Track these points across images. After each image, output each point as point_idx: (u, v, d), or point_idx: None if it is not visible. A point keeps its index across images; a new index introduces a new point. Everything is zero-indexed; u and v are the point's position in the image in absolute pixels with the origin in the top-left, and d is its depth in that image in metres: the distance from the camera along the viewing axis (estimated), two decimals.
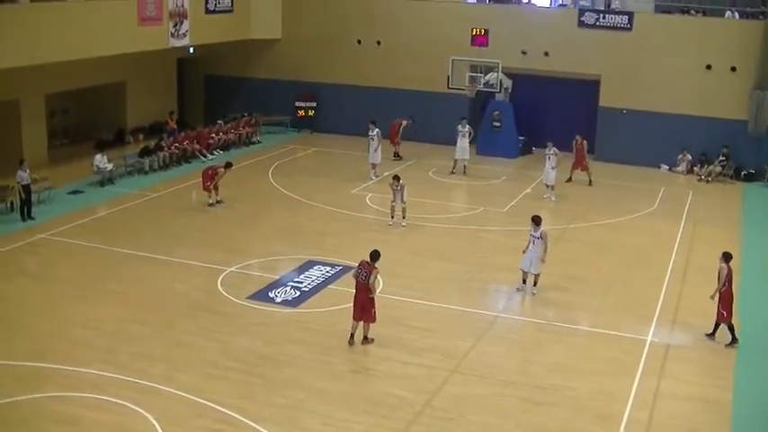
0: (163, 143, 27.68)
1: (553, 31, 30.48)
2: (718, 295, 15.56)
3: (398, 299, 17.16)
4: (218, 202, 23.42)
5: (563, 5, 31.87)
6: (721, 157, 28.73)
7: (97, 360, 14.13)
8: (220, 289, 17.51)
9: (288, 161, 29.26)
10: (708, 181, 28.55)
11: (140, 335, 15.25)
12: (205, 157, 28.60)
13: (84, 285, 17.49)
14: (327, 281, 18.06)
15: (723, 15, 30.12)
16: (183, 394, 13.12)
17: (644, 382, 14.22)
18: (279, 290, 17.50)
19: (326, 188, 25.62)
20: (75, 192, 24.28)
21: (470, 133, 28.07)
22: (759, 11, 29.99)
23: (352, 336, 15.08)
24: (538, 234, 17.53)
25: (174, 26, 27.78)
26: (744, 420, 13.19)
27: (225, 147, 30.08)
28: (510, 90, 30.66)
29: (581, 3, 31.31)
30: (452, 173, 27.93)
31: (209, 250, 19.75)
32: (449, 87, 29.94)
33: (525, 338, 16.05)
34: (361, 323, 15.05)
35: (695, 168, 29.32)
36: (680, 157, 29.69)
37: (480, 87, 29.74)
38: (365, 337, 15.12)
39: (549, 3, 32.20)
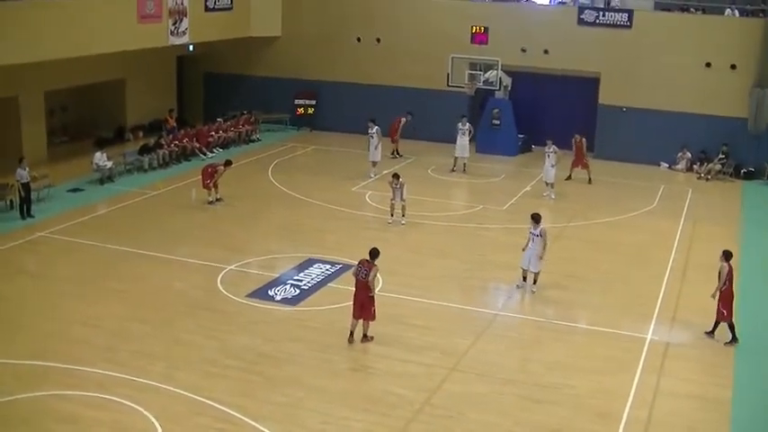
0: (162, 141, 27.67)
1: (553, 29, 30.46)
2: (718, 294, 15.57)
3: (398, 297, 17.17)
4: (217, 200, 23.41)
5: (563, 3, 31.80)
6: (721, 155, 28.72)
7: (97, 358, 14.13)
8: (220, 287, 17.51)
9: (287, 159, 29.25)
10: (707, 179, 28.54)
11: (140, 333, 15.25)
12: (205, 154, 28.59)
13: (83, 283, 17.49)
14: (327, 279, 18.06)
15: (723, 13, 30.08)
16: (183, 392, 13.13)
17: (643, 380, 14.23)
18: (278, 288, 17.50)
19: (326, 186, 25.62)
20: (74, 190, 24.28)
21: (470, 131, 28.08)
22: (759, 8, 29.94)
23: (351, 333, 15.09)
24: (537, 232, 17.53)
25: (174, 24, 27.75)
26: (743, 419, 13.20)
27: (224, 145, 30.08)
28: (509, 88, 30.66)
29: (580, 0, 31.28)
30: (453, 171, 27.93)
31: (208, 248, 19.75)
32: (448, 85, 29.94)
33: (525, 336, 16.06)
34: (361, 321, 15.06)
35: (695, 166, 29.31)
36: (679, 154, 29.68)
37: (480, 85, 29.75)
38: (365, 336, 15.12)
39: (549, 0, 32.13)
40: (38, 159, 25.17)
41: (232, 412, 12.62)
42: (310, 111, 33.45)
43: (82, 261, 18.81)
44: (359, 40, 32.60)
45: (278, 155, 29.58)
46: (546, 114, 31.18)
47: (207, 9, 29.57)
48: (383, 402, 13.15)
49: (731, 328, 15.62)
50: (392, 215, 22.15)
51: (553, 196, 25.14)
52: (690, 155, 29.52)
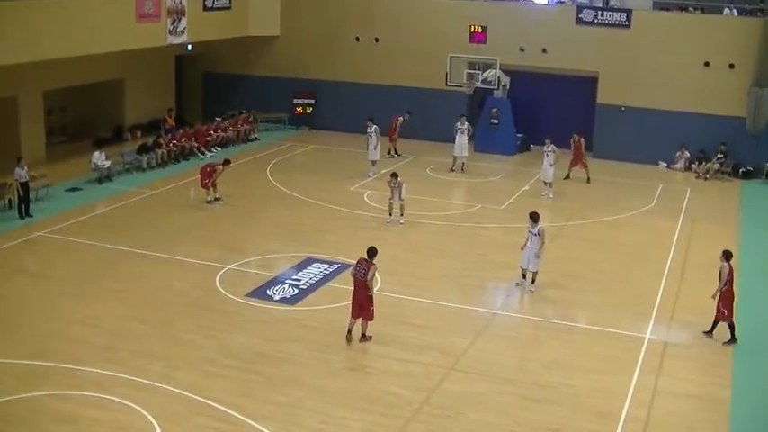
0: (161, 140, 27.65)
1: (551, 29, 30.48)
2: (719, 294, 15.57)
3: (396, 296, 17.17)
4: (216, 199, 23.41)
5: (561, 2, 31.80)
6: (719, 155, 28.74)
7: (96, 358, 14.12)
8: (219, 287, 17.51)
9: (286, 158, 29.25)
10: (706, 178, 28.56)
11: (139, 332, 15.25)
12: (203, 154, 28.59)
13: (82, 283, 17.48)
14: (326, 278, 18.06)
15: (721, 12, 30.11)
16: (182, 392, 13.13)
17: (642, 379, 14.24)
18: (277, 287, 17.50)
19: (325, 185, 25.62)
20: (73, 189, 24.26)
21: (469, 130, 28.08)
22: (757, 8, 29.96)
23: (349, 332, 15.08)
24: (536, 231, 17.55)
25: (172, 23, 27.74)
26: (742, 418, 13.20)
27: (223, 144, 30.07)
28: (508, 87, 30.68)
29: (579, 0, 31.31)
30: (452, 170, 27.93)
31: (207, 248, 19.75)
32: (447, 84, 29.94)
33: (523, 336, 16.07)
34: (360, 321, 15.07)
35: (693, 165, 29.32)
36: (678, 154, 29.70)
37: (478, 84, 29.74)
38: (363, 335, 15.12)
39: (547, 0, 32.15)
40: (36, 159, 25.16)
41: (231, 412, 12.62)
42: (309, 110, 33.44)
43: (81, 261, 18.80)
44: (357, 39, 32.59)
45: (276, 154, 29.58)
46: (544, 114, 31.17)
47: (205, 8, 29.56)
48: (382, 402, 13.15)
49: (731, 327, 15.62)
50: (391, 214, 22.15)
51: (552, 195, 25.15)
52: (688, 154, 29.53)
